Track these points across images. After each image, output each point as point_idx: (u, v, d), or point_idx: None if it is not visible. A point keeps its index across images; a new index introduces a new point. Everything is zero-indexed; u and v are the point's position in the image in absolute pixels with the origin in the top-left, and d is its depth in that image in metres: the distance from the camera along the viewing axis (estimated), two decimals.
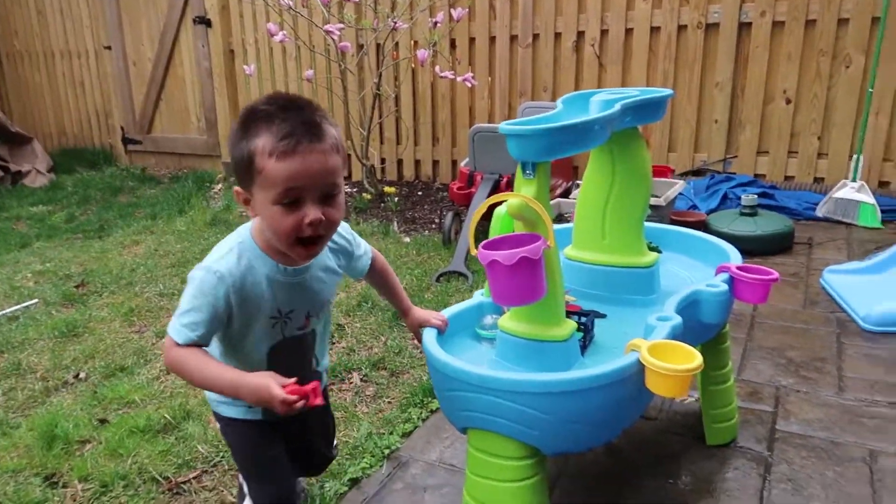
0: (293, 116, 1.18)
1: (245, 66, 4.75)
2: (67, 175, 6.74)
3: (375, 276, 1.59)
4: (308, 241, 1.23)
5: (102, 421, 2.20)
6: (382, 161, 5.47)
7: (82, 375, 2.56)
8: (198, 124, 6.57)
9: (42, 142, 7.34)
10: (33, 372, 2.61)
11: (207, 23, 6.00)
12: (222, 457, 1.96)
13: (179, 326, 1.23)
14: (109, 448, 2.03)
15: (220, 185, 5.79)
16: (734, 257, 1.83)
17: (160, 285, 3.47)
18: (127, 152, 7.19)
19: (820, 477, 1.79)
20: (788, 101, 4.13)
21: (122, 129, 7.13)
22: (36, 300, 3.38)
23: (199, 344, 1.24)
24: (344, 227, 1.46)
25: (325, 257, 1.40)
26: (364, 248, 1.53)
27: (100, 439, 2.09)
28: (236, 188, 1.27)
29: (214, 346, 1.34)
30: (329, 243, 1.38)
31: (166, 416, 2.17)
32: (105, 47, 6.96)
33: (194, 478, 1.89)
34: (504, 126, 1.42)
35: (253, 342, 1.34)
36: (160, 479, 1.89)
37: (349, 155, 5.43)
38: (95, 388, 2.44)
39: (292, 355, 1.40)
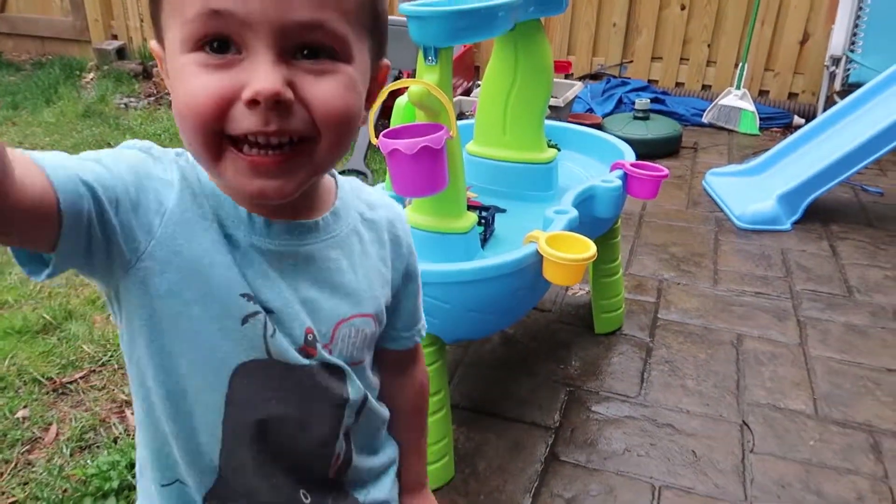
0: None
1: None
2: None
3: (405, 390, 0.83)
4: (247, 141, 0.55)
5: None
6: None
7: None
8: (61, 4, 5.88)
9: None
10: None
11: None
12: (111, 356, 1.88)
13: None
14: None
15: (91, 74, 5.27)
16: (628, 155, 1.88)
17: None
18: None
19: (693, 359, 1.95)
20: (683, 7, 4.20)
21: None
22: None
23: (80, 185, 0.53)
24: (400, 215, 0.76)
25: (355, 220, 0.70)
26: (418, 308, 0.81)
27: None
28: (152, 45, 0.62)
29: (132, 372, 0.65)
30: (362, 209, 0.71)
31: (45, 315, 2.04)
32: None
33: (81, 377, 1.81)
34: (404, 6, 1.35)
35: (199, 348, 0.62)
36: (42, 379, 1.79)
37: None
38: None
39: (287, 406, 0.66)
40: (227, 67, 0.53)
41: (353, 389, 0.70)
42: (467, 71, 4.22)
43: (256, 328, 0.62)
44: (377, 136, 1.30)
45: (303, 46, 0.55)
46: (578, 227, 1.52)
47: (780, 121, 4.01)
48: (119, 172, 0.56)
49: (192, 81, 0.54)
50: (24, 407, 1.71)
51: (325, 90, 0.55)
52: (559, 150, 1.95)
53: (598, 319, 2.05)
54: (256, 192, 0.57)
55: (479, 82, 3.76)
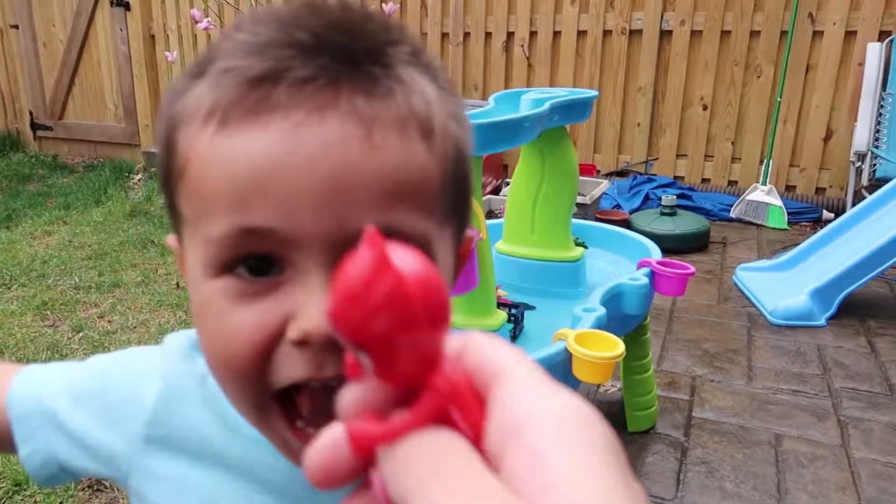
0: (302, 22, 0.40)
1: (167, 53, 4.59)
2: None
3: None
4: (303, 391, 0.42)
5: None
6: None
7: None
8: (115, 111, 6.29)
9: None
10: None
11: (126, 6, 5.76)
12: None
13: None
14: None
15: (139, 176, 5.57)
16: (654, 253, 1.92)
17: (75, 277, 3.32)
18: (36, 138, 6.80)
19: (731, 459, 1.90)
20: (705, 108, 4.34)
21: (30, 113, 6.75)
22: None
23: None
24: None
25: None
26: None
27: None
28: (168, 239, 0.51)
29: None
30: None
31: None
32: (12, 26, 6.57)
33: None
34: None
35: None
36: None
37: None
38: None
39: None
40: (265, 293, 0.40)
41: None
42: (496, 169, 4.36)
43: None
44: None
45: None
46: (607, 324, 1.54)
47: (808, 215, 4.03)
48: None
49: (226, 321, 0.41)
50: None
51: None
52: (586, 247, 2.00)
53: (631, 417, 2.02)
54: (294, 451, 0.44)
55: (508, 180, 3.89)
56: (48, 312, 2.94)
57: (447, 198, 0.42)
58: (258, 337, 0.40)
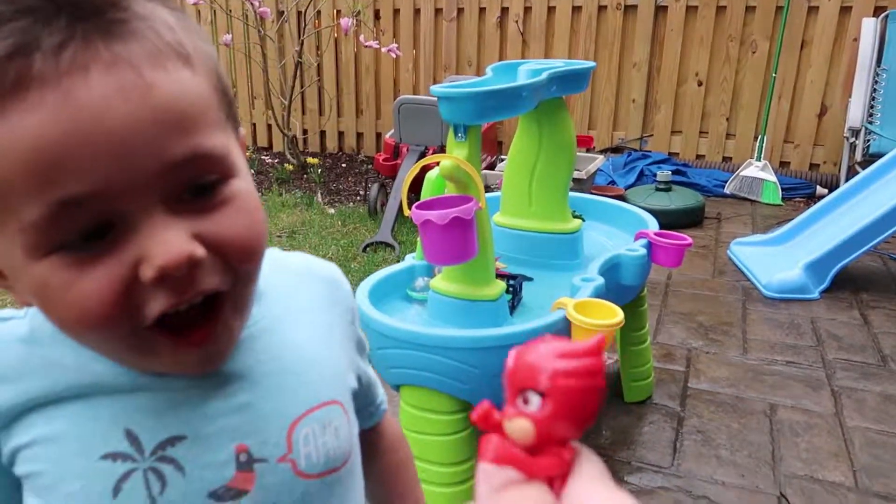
0: None
1: None
2: None
3: (380, 457, 0.73)
4: (178, 319, 0.45)
5: None
6: (304, 132, 5.37)
7: None
8: None
9: None
10: None
11: None
12: None
13: None
14: None
15: None
16: (651, 225, 1.92)
17: None
18: None
19: (726, 429, 1.92)
20: (700, 84, 4.32)
21: None
22: None
23: None
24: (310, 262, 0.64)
25: (286, 293, 0.59)
26: (373, 383, 0.70)
27: None
28: None
29: None
30: (289, 279, 0.60)
31: None
32: None
33: None
34: (436, 88, 1.43)
35: None
36: None
37: (269, 125, 5.30)
38: None
39: None
40: (107, 252, 0.41)
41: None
42: (491, 146, 4.35)
43: (136, 493, 0.48)
44: (409, 208, 1.36)
45: (187, 186, 0.43)
46: (605, 294, 1.55)
47: (802, 191, 4.04)
48: None
49: (74, 289, 0.41)
50: None
51: (235, 225, 0.45)
52: (584, 220, 2.00)
53: (628, 388, 2.04)
54: (198, 368, 0.48)
55: (503, 157, 3.87)
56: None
57: (222, 108, 0.46)
58: (114, 291, 0.41)
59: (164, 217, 0.42)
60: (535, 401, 0.27)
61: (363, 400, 0.66)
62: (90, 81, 0.38)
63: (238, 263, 0.46)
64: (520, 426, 0.27)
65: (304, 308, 0.57)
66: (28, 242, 0.41)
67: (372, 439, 0.70)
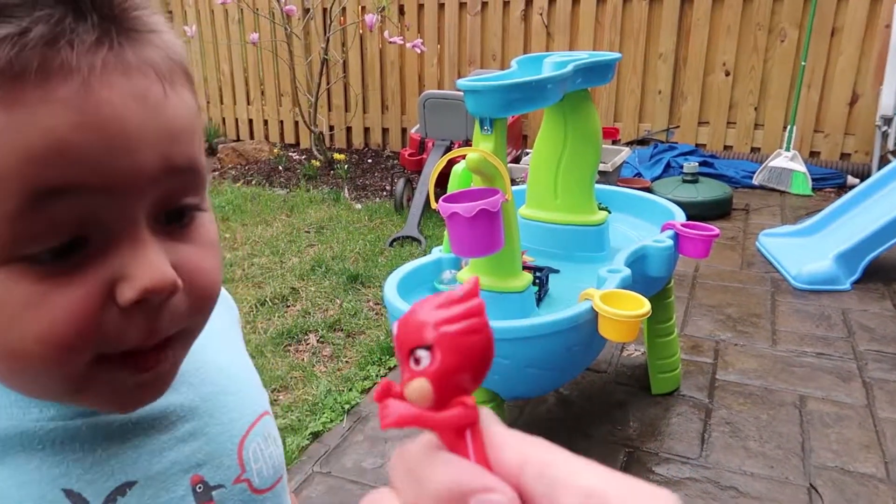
0: None
1: (185, 28, 4.61)
2: None
3: None
4: (141, 352, 0.41)
5: None
6: (331, 129, 5.42)
7: None
8: None
9: None
10: None
11: None
12: None
13: None
14: None
15: None
16: (678, 216, 1.92)
17: None
18: None
19: (755, 420, 1.91)
20: (727, 73, 4.27)
21: None
22: None
23: None
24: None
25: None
26: None
27: None
28: None
29: None
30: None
31: None
32: None
33: None
34: (462, 82, 1.45)
35: None
36: None
37: (296, 122, 5.35)
38: None
39: None
40: (80, 269, 0.38)
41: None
42: (516, 139, 4.35)
43: None
44: (436, 202, 1.38)
45: (169, 202, 0.41)
46: (631, 285, 1.55)
47: (833, 181, 3.98)
48: None
49: (38, 309, 0.37)
50: None
51: (204, 264, 0.43)
52: (609, 212, 2.00)
53: (655, 380, 2.04)
54: (139, 404, 0.44)
55: (528, 150, 3.87)
56: None
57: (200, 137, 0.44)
58: (88, 313, 0.37)
59: (147, 236, 0.39)
60: (424, 356, 0.26)
61: None
62: (113, 82, 0.37)
63: (201, 301, 0.43)
64: (417, 386, 0.26)
65: (216, 330, 0.52)
66: None
67: None
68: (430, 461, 0.24)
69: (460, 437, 0.26)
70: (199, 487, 0.48)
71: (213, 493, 0.49)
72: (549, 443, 0.25)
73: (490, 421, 0.26)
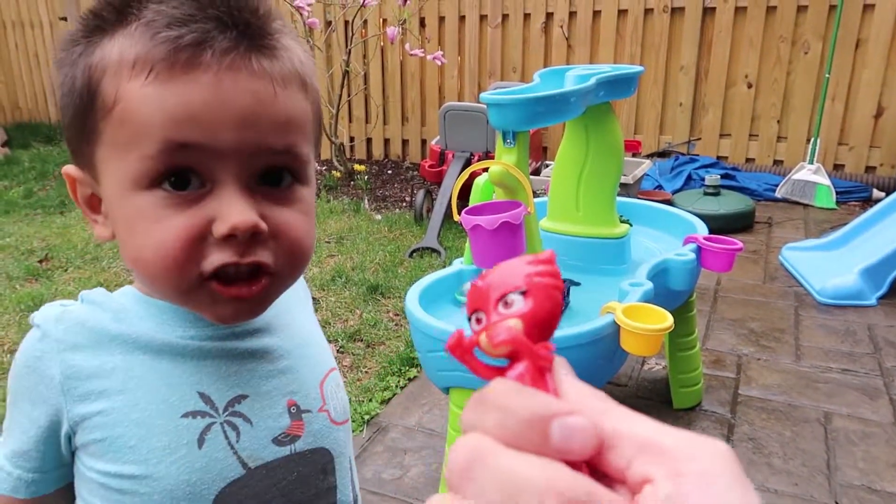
0: (214, 2, 0.53)
1: None
2: (23, 150, 6.54)
3: None
4: (226, 275, 0.54)
5: None
6: (351, 140, 5.46)
7: None
8: None
9: None
10: (1, 345, 2.57)
11: None
12: None
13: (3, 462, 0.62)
14: None
15: None
16: (700, 229, 1.91)
17: None
18: None
19: (778, 436, 1.89)
20: (750, 86, 4.25)
21: None
22: None
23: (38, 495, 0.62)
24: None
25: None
26: None
27: None
28: (66, 170, 0.61)
29: None
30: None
31: None
32: (60, 18, 6.75)
33: None
34: (485, 95, 1.46)
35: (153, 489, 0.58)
36: None
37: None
38: None
39: None
40: (192, 203, 0.52)
41: (342, 482, 0.67)
42: (536, 151, 4.35)
43: (214, 437, 0.59)
44: (459, 213, 1.39)
45: (266, 171, 0.55)
46: (653, 299, 1.54)
47: (857, 194, 3.93)
48: (37, 406, 0.59)
49: (158, 226, 0.52)
50: None
51: (294, 223, 0.56)
52: (631, 225, 2.00)
53: (677, 394, 2.02)
54: (231, 319, 0.58)
55: (548, 162, 3.87)
56: None
57: (314, 132, 0.59)
58: (190, 234, 0.52)
59: (241, 192, 0.53)
60: (517, 300, 0.29)
61: None
62: (238, 80, 0.52)
63: (289, 251, 0.56)
64: (511, 324, 0.28)
65: (301, 299, 0.71)
66: (138, 171, 0.52)
67: None
68: (516, 392, 0.26)
69: (541, 375, 0.28)
70: (293, 409, 0.63)
71: (303, 415, 0.63)
72: (607, 396, 0.27)
73: (562, 369, 0.29)
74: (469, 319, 0.31)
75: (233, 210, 0.52)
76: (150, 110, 0.51)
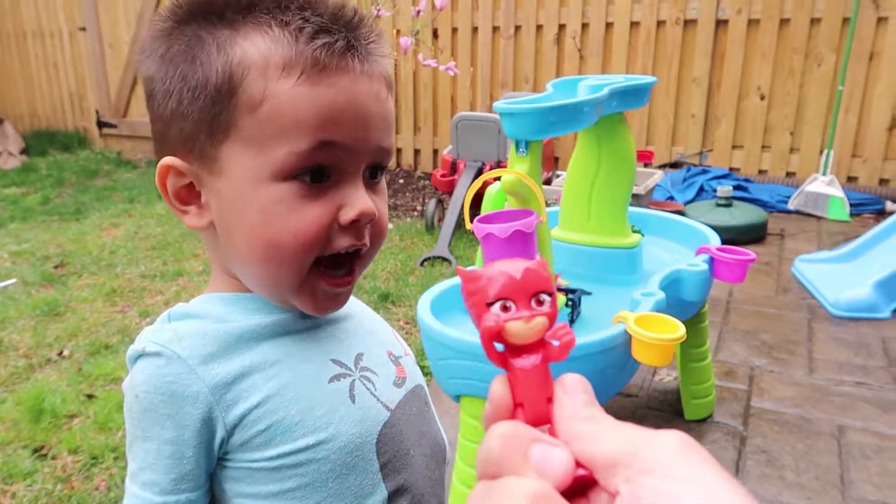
0: (323, 7, 0.61)
1: None
2: (40, 157, 6.63)
3: None
4: (337, 261, 0.63)
5: (90, 396, 2.20)
6: None
7: (66, 353, 2.55)
8: None
9: (13, 123, 7.19)
10: (16, 349, 2.60)
11: None
12: None
13: (139, 493, 0.61)
14: (98, 422, 2.04)
15: None
16: (713, 240, 1.90)
17: (142, 266, 3.46)
18: (102, 136, 7.08)
19: (791, 449, 1.87)
20: (762, 98, 4.24)
21: (97, 112, 7.03)
22: (13, 280, 3.34)
23: None
24: None
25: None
26: None
27: (88, 413, 2.10)
28: (167, 161, 0.62)
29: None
30: None
31: None
32: (80, 28, 6.84)
33: None
34: (499, 105, 1.47)
35: (333, 446, 0.64)
36: None
37: None
38: (80, 365, 2.44)
39: (420, 459, 0.71)
40: (323, 193, 0.60)
41: (434, 413, 0.78)
42: (547, 161, 4.36)
43: (364, 395, 0.67)
44: (471, 222, 1.40)
45: (374, 165, 0.64)
46: (665, 309, 1.54)
47: (871, 206, 3.90)
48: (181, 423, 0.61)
49: (297, 214, 0.59)
50: None
51: (383, 210, 0.66)
52: (643, 235, 1.99)
53: (688, 405, 2.01)
54: (330, 310, 0.67)
55: (559, 172, 3.88)
56: (117, 299, 3.08)
57: None
58: (324, 221, 0.60)
59: (363, 182, 0.62)
60: (547, 300, 0.34)
61: None
62: (359, 82, 0.60)
63: (378, 234, 0.65)
64: (541, 322, 0.33)
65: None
66: (281, 165, 0.58)
67: None
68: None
69: (546, 365, 0.34)
70: (392, 357, 0.73)
71: (399, 360, 0.73)
72: (596, 413, 0.33)
73: (575, 389, 0.34)
74: (491, 304, 0.34)
75: (358, 200, 0.60)
76: (303, 109, 0.58)
